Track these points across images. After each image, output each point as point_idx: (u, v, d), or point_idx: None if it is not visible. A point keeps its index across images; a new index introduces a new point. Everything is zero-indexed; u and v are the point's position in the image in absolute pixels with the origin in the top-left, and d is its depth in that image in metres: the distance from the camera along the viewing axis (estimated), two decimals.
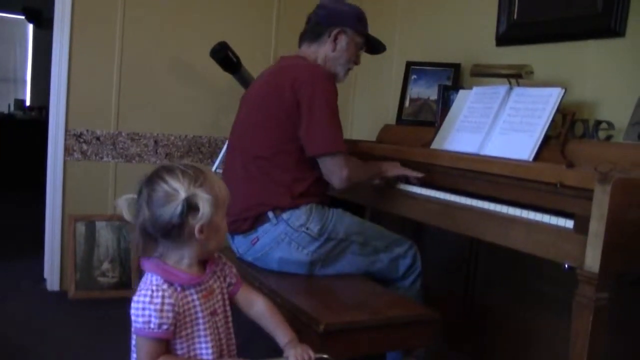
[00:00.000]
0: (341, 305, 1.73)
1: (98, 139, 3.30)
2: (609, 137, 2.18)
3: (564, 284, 1.68)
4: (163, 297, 1.33)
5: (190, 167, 1.39)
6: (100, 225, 3.30)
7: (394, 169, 2.27)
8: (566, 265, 1.68)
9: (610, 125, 2.18)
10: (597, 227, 1.59)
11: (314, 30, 2.26)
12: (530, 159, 2.14)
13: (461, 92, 2.59)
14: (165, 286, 1.35)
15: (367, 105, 3.70)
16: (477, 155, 2.27)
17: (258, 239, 2.04)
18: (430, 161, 2.27)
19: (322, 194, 2.14)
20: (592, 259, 1.59)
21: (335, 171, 2.03)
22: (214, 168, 3.30)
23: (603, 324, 1.63)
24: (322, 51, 2.24)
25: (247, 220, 2.05)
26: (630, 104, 2.11)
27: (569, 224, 1.68)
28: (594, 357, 1.63)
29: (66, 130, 3.23)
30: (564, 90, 2.19)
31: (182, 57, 3.43)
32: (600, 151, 2.06)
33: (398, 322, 1.73)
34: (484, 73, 2.50)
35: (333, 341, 1.56)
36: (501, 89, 2.38)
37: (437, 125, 2.58)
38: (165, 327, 1.32)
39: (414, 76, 3.01)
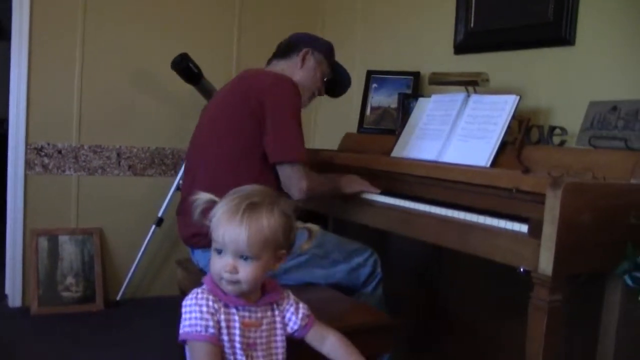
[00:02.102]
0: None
1: (60, 152, 3.27)
2: (562, 143, 2.23)
3: (525, 287, 1.72)
4: (207, 299, 1.33)
5: (238, 198, 1.34)
6: (63, 239, 3.27)
7: (352, 185, 2.27)
8: (522, 269, 1.72)
9: (563, 130, 2.24)
10: (549, 231, 1.63)
11: (285, 47, 2.29)
12: (488, 165, 2.18)
13: (420, 100, 2.63)
14: (209, 294, 1.34)
15: (330, 114, 3.72)
16: (436, 162, 2.31)
17: None
18: (390, 169, 2.30)
19: None
20: (546, 262, 1.63)
21: (294, 181, 2.03)
22: (176, 179, 3.30)
23: (557, 324, 1.67)
24: (290, 69, 2.24)
25: (207, 235, 2.03)
26: (581, 109, 2.17)
27: (524, 228, 1.72)
28: (549, 356, 1.67)
29: (27, 144, 3.20)
30: (518, 98, 2.24)
31: (143, 69, 3.41)
32: (554, 156, 2.12)
33: (359, 329, 1.73)
34: (442, 81, 2.54)
35: (295, 349, 1.56)
36: (459, 96, 2.43)
37: (398, 133, 2.62)
38: (211, 330, 1.30)
39: (374, 85, 3.05)
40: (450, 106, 2.43)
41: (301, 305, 1.45)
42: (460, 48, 2.85)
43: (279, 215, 1.33)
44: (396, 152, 2.53)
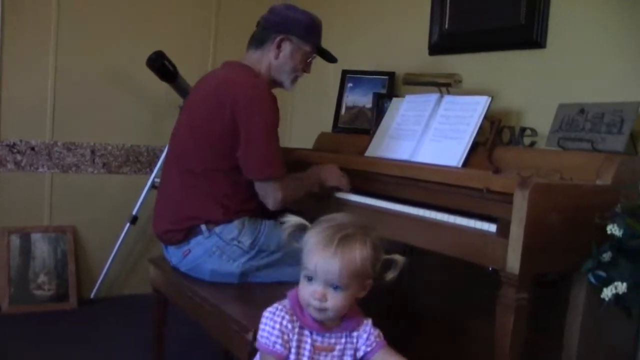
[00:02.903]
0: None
1: (33, 149, 3.24)
2: (532, 144, 2.27)
3: (495, 286, 1.75)
4: (283, 317, 1.38)
5: (332, 229, 1.37)
6: (35, 237, 3.24)
7: (331, 176, 2.27)
8: (490, 268, 1.75)
9: (533, 132, 2.28)
10: (516, 230, 1.66)
11: (259, 36, 2.23)
12: (459, 165, 2.21)
13: (394, 100, 2.65)
14: (289, 312, 1.39)
15: (305, 113, 3.74)
16: (409, 162, 2.33)
17: (190, 251, 2.04)
18: (364, 168, 2.32)
19: (256, 208, 2.12)
20: (513, 262, 1.66)
21: (269, 195, 2.05)
22: (151, 177, 3.29)
23: (524, 322, 1.71)
24: (266, 59, 2.21)
25: (180, 231, 2.05)
26: (552, 111, 2.21)
27: (493, 228, 1.75)
28: (516, 353, 1.71)
29: None
30: (490, 99, 2.27)
31: (118, 66, 3.40)
32: (524, 157, 2.15)
33: None
34: (415, 82, 2.57)
35: None
36: (432, 97, 2.46)
37: (372, 133, 2.64)
38: (279, 347, 1.35)
39: (349, 84, 3.07)
40: (424, 106, 2.45)
41: (373, 329, 1.47)
42: (435, 49, 2.88)
43: (370, 247, 1.37)
44: (370, 152, 2.55)
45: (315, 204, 2.37)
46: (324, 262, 1.31)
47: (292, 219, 1.42)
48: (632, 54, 2.16)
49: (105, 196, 3.45)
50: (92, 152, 3.40)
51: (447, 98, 2.42)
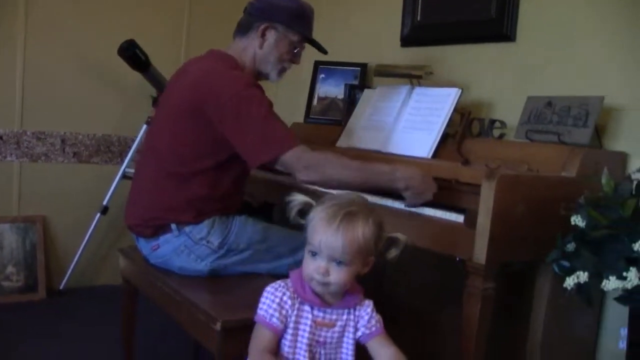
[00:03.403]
0: (241, 303, 1.73)
1: (1, 138, 3.19)
2: (502, 136, 2.30)
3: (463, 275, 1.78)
4: (283, 293, 1.42)
5: (337, 206, 1.39)
6: (3, 227, 3.20)
7: (420, 184, 1.91)
8: (457, 258, 1.78)
9: (503, 124, 2.31)
10: (483, 221, 1.69)
11: (244, 23, 2.13)
12: (429, 157, 2.23)
13: (366, 91, 2.67)
14: (290, 289, 1.43)
15: (278, 103, 3.69)
16: (380, 152, 2.35)
17: (159, 247, 2.01)
18: None
19: (228, 207, 2.05)
20: (479, 252, 1.69)
21: (294, 168, 1.89)
22: (122, 167, 3.26)
23: (490, 310, 1.74)
24: (251, 48, 2.10)
25: (150, 227, 2.02)
26: (521, 104, 2.24)
27: (460, 218, 1.78)
28: (481, 341, 1.74)
29: None
30: (460, 91, 2.30)
31: (90, 54, 3.35)
32: (493, 149, 2.18)
33: None
34: (387, 73, 2.59)
35: (231, 338, 1.58)
36: (403, 88, 2.48)
37: (344, 124, 2.65)
38: (275, 320, 1.39)
39: (322, 75, 3.07)
40: (395, 98, 2.47)
41: (375, 314, 1.49)
42: (407, 41, 2.90)
43: (373, 225, 1.40)
44: (341, 143, 2.56)
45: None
46: (328, 237, 1.35)
47: (298, 198, 1.45)
48: (599, 48, 2.19)
49: (76, 186, 3.41)
50: (63, 141, 3.36)
51: (418, 90, 2.44)
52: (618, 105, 2.11)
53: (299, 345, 1.42)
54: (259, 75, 2.16)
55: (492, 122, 2.31)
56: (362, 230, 1.37)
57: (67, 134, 3.36)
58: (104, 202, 3.28)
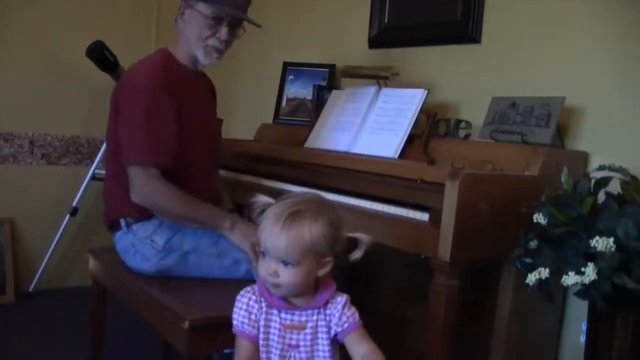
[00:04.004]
0: (209, 301, 1.75)
1: None
2: (467, 136, 2.34)
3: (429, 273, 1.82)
4: (249, 298, 1.41)
5: (283, 205, 1.37)
6: None
7: (245, 240, 1.90)
8: (423, 256, 1.81)
9: (468, 124, 2.35)
10: (447, 219, 1.72)
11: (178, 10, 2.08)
12: (396, 157, 2.26)
13: (334, 92, 2.69)
14: (256, 293, 1.41)
15: (246, 104, 3.75)
16: (347, 153, 2.37)
17: (115, 244, 2.02)
18: (302, 159, 2.34)
19: None
20: (444, 250, 1.72)
21: (132, 182, 1.87)
22: (92, 169, 3.25)
23: (454, 307, 1.78)
24: (180, 33, 2.06)
25: (108, 223, 2.03)
26: (486, 104, 2.29)
27: (425, 217, 1.81)
28: (446, 337, 1.77)
29: None
30: (426, 91, 2.33)
31: (57, 54, 3.32)
32: (459, 149, 2.22)
33: None
34: (354, 74, 2.62)
35: (199, 336, 1.60)
36: (371, 89, 2.50)
37: (312, 125, 2.67)
38: (247, 327, 1.39)
39: (290, 76, 3.09)
40: (362, 99, 2.50)
41: (347, 309, 1.43)
42: (375, 42, 2.93)
43: (323, 224, 1.35)
44: (309, 143, 2.58)
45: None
46: (272, 237, 1.33)
47: (261, 199, 1.43)
48: (561, 50, 2.24)
49: (45, 188, 3.38)
50: (31, 142, 3.33)
51: (385, 91, 2.47)
52: (579, 105, 2.17)
53: (272, 350, 1.39)
54: (196, 60, 2.08)
55: (458, 122, 2.35)
56: (308, 230, 1.33)
57: (35, 135, 3.33)
58: (74, 204, 3.26)
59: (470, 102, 2.51)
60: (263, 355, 1.39)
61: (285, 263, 1.34)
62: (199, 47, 2.02)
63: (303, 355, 1.40)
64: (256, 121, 3.18)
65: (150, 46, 3.58)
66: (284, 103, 3.08)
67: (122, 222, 1.97)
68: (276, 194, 2.29)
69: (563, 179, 1.73)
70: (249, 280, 1.91)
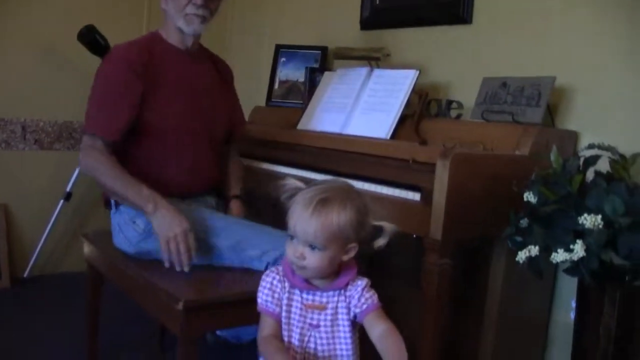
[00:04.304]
0: (201, 282, 1.77)
1: None
2: (459, 116, 2.35)
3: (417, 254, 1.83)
4: (273, 278, 1.45)
5: (313, 191, 1.39)
6: None
7: (167, 231, 1.81)
8: (414, 235, 1.83)
9: (459, 104, 2.36)
10: (439, 198, 1.74)
11: None
12: (388, 137, 2.27)
13: (326, 73, 2.69)
14: (280, 273, 1.45)
15: (239, 87, 3.72)
16: (339, 134, 2.38)
17: (110, 223, 2.05)
18: (295, 141, 2.36)
19: (163, 186, 1.94)
20: (435, 228, 1.74)
21: (81, 150, 1.95)
22: None
23: (447, 286, 1.80)
24: (164, 8, 2.07)
25: (104, 202, 2.06)
26: (477, 85, 2.29)
27: (417, 197, 1.82)
28: (440, 314, 1.80)
29: None
30: (418, 72, 2.34)
31: (49, 40, 3.30)
32: (450, 129, 2.23)
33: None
34: (345, 55, 2.62)
35: (194, 317, 1.61)
36: (362, 70, 2.51)
37: (304, 107, 2.67)
38: (270, 305, 1.42)
39: (283, 59, 3.09)
40: (354, 80, 2.50)
41: (366, 292, 1.45)
42: (367, 24, 2.93)
43: (350, 211, 1.37)
44: (302, 125, 2.59)
45: (248, 177, 2.40)
46: (301, 222, 1.36)
47: (291, 182, 1.45)
48: (552, 31, 2.25)
49: (38, 173, 3.38)
50: (23, 128, 3.32)
51: (377, 72, 2.47)
52: (570, 85, 2.18)
53: (292, 328, 1.43)
54: (183, 35, 2.08)
55: (449, 103, 2.36)
56: (337, 217, 1.35)
57: (27, 120, 3.33)
58: (67, 189, 3.26)
59: (461, 82, 2.52)
60: (285, 334, 1.43)
61: (312, 247, 1.36)
62: (180, 18, 2.03)
63: (323, 334, 1.43)
64: (249, 104, 3.18)
65: (142, 29, 3.56)
66: (276, 85, 3.08)
67: (112, 201, 2.00)
68: (269, 176, 2.33)
69: (552, 157, 1.75)
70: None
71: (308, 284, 1.43)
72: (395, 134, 2.29)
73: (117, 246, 2.00)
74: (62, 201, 3.27)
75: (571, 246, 1.59)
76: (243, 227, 1.97)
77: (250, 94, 3.46)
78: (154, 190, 1.87)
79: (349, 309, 1.44)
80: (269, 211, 2.25)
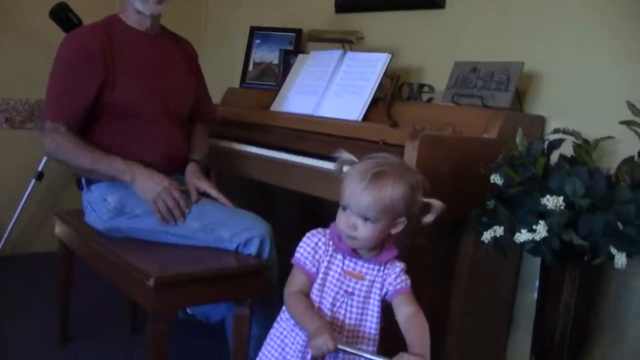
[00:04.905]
0: (172, 259, 1.79)
1: None
2: (430, 99, 2.39)
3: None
4: (319, 239, 1.47)
5: (369, 164, 1.41)
6: None
7: (151, 193, 1.90)
8: None
9: (431, 88, 2.39)
10: None
11: None
12: (359, 119, 2.30)
13: (300, 56, 2.71)
14: (327, 236, 1.48)
15: (214, 68, 3.72)
16: (312, 116, 2.40)
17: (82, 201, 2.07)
18: (268, 122, 2.37)
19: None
20: None
21: (44, 137, 1.98)
22: None
23: (416, 266, 1.81)
24: None
25: (76, 181, 2.07)
26: (448, 69, 2.32)
27: None
28: None
29: None
30: (390, 56, 2.36)
31: (21, 17, 3.26)
32: (421, 112, 2.26)
33: (228, 274, 1.80)
34: (319, 38, 2.64)
35: (165, 294, 1.63)
36: (336, 53, 2.53)
37: (278, 88, 2.69)
38: (308, 263, 1.45)
39: (257, 41, 3.09)
40: (327, 62, 2.52)
41: (403, 274, 1.49)
42: (341, 7, 2.94)
43: (404, 186, 1.40)
44: (275, 107, 2.60)
45: (223, 158, 2.42)
46: (355, 194, 1.38)
47: (344, 155, 1.49)
48: (522, 17, 2.28)
49: (9, 152, 3.34)
50: None
51: (350, 55, 2.49)
52: (538, 71, 2.22)
53: (326, 291, 1.45)
54: (141, 16, 2.10)
55: (421, 86, 2.39)
56: (390, 191, 1.38)
57: None
58: (39, 168, 3.24)
59: (433, 66, 2.55)
60: (316, 298, 1.46)
61: (365, 219, 1.39)
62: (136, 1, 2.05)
63: (355, 303, 1.46)
64: (223, 85, 3.18)
65: (114, 8, 3.52)
66: (250, 67, 3.08)
67: (83, 180, 2.01)
68: (243, 157, 2.34)
69: (518, 140, 1.79)
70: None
71: (353, 251, 1.46)
72: (367, 117, 2.31)
73: (89, 224, 2.01)
74: (33, 181, 3.24)
75: (534, 226, 1.64)
76: (215, 209, 1.99)
77: (225, 75, 3.47)
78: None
79: (383, 285, 1.47)
80: (240, 192, 2.28)
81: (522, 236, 1.65)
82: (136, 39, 2.10)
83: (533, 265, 2.13)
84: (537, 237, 1.62)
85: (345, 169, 1.46)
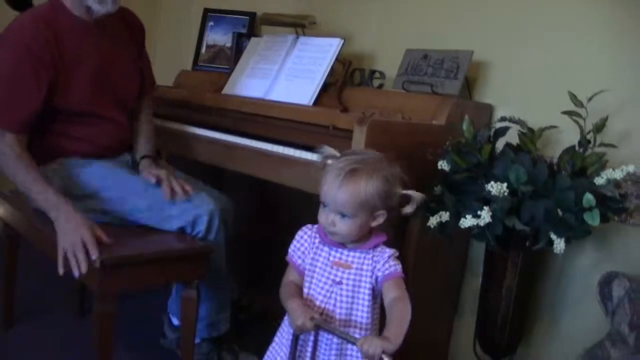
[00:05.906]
0: (118, 240, 1.76)
1: None
2: (381, 86, 2.40)
3: None
4: (305, 233, 1.55)
5: (344, 162, 1.44)
6: None
7: (71, 233, 1.75)
8: None
9: (382, 74, 2.40)
10: None
11: None
12: (310, 104, 2.30)
13: (252, 39, 2.69)
14: (313, 230, 1.54)
15: (167, 50, 3.68)
16: (263, 100, 2.39)
17: None
18: (219, 105, 2.36)
19: (80, 152, 2.01)
20: None
21: None
22: None
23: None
24: None
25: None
26: (399, 56, 2.34)
27: None
28: None
29: None
30: (342, 41, 2.36)
31: None
32: (371, 98, 2.27)
33: (174, 256, 1.80)
34: (273, 22, 2.62)
35: (111, 275, 1.61)
36: (288, 37, 2.52)
37: (230, 71, 2.66)
38: (295, 256, 1.54)
39: (211, 23, 3.06)
40: (280, 46, 2.51)
41: (392, 260, 1.50)
42: None
43: (378, 181, 1.43)
44: (227, 90, 2.58)
45: (174, 140, 2.39)
46: (331, 192, 1.42)
47: (327, 150, 1.51)
48: (472, 6, 2.31)
49: None
50: None
51: (302, 39, 2.49)
52: (487, 60, 2.25)
53: (315, 282, 1.49)
54: (90, 10, 1.96)
55: (372, 72, 2.40)
56: (364, 187, 1.41)
57: None
58: None
59: (385, 53, 2.56)
60: (307, 290, 1.51)
61: (342, 215, 1.43)
62: None
63: (344, 292, 1.48)
64: (175, 67, 3.14)
65: None
66: (203, 50, 3.05)
67: (42, 168, 1.95)
68: (194, 139, 2.32)
69: (464, 127, 1.82)
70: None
71: (339, 244, 1.50)
72: (318, 101, 2.31)
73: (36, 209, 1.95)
74: None
75: (478, 212, 1.67)
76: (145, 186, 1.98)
77: (177, 57, 3.43)
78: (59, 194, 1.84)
79: (372, 271, 1.49)
80: (190, 173, 2.26)
81: (467, 222, 1.68)
82: (82, 31, 1.97)
83: (480, 252, 2.17)
84: (482, 223, 1.66)
85: (329, 162, 1.48)
